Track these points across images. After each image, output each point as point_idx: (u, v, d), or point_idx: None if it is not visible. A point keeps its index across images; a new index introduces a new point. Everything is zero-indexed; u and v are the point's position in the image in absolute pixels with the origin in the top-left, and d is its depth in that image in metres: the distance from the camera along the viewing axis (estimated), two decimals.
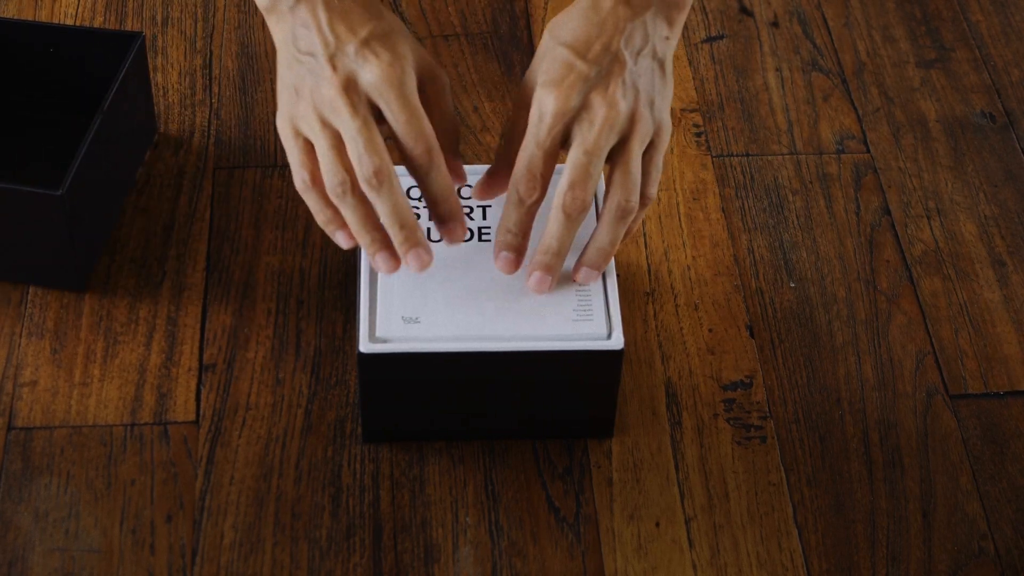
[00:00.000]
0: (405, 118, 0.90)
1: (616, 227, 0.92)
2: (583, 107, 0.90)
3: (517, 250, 0.94)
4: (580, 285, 0.95)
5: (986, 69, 1.25)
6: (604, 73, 0.91)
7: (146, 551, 0.93)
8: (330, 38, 0.90)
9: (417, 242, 0.91)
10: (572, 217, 0.91)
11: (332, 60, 0.90)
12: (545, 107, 0.90)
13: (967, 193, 1.15)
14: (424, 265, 0.91)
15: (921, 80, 1.24)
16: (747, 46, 1.26)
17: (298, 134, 0.92)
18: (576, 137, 0.91)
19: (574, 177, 0.90)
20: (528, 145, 0.91)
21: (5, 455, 0.97)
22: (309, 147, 0.91)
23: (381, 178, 0.89)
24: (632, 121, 0.91)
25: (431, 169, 0.90)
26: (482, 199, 0.96)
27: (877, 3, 1.30)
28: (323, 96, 0.90)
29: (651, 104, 0.92)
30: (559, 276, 0.95)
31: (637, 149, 0.91)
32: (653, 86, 0.93)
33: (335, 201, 0.90)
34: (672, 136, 1.17)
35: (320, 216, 0.92)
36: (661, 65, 0.93)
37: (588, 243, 0.94)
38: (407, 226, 0.91)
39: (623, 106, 0.90)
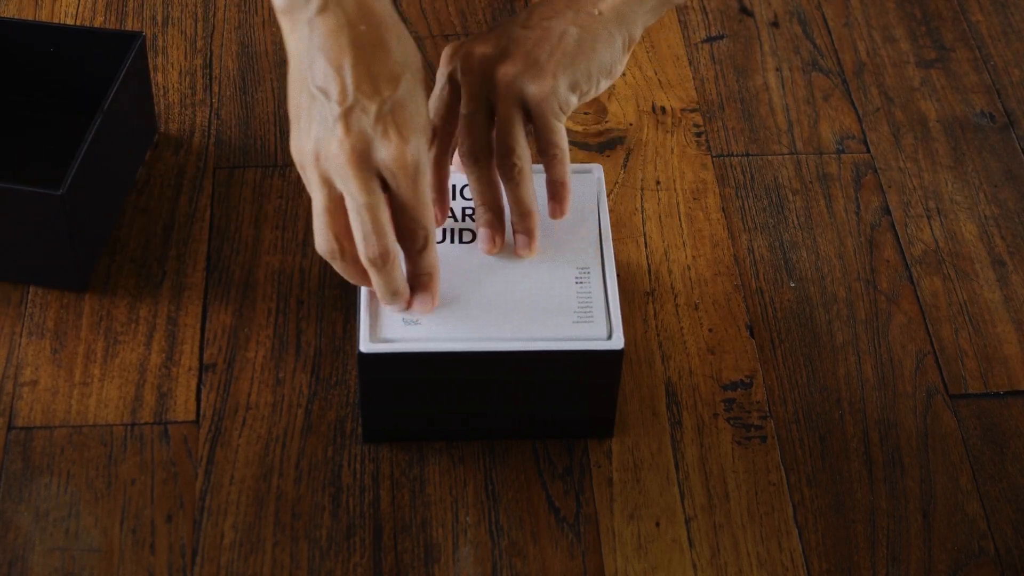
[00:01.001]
0: (411, 206, 0.87)
1: (524, 192, 0.95)
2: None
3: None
4: (580, 284, 0.95)
5: (986, 69, 1.25)
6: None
7: (146, 551, 0.93)
8: (350, 90, 0.84)
9: (407, 300, 0.92)
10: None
11: (347, 117, 0.84)
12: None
13: (967, 193, 1.15)
14: (428, 311, 0.93)
15: (921, 80, 1.24)
16: (747, 46, 1.26)
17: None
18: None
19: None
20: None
21: (5, 455, 0.97)
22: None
23: (385, 259, 0.88)
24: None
25: (424, 251, 0.90)
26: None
27: (877, 3, 1.30)
28: (331, 155, 0.85)
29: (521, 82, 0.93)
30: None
31: (512, 121, 0.93)
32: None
33: (326, 259, 0.90)
34: (672, 135, 1.18)
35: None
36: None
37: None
38: (400, 295, 0.92)
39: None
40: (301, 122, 0.87)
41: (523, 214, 0.95)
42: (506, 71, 0.92)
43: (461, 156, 0.94)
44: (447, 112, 0.95)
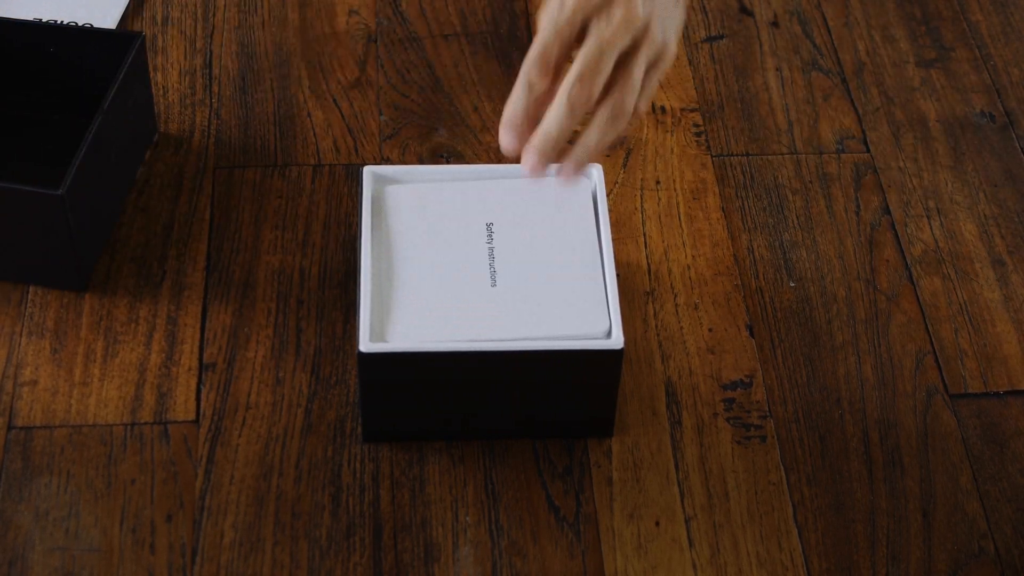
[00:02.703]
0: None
1: (607, 128, 0.92)
2: (604, 3, 0.90)
3: (518, 132, 0.93)
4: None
5: (986, 69, 1.25)
6: None
7: (146, 550, 0.93)
8: None
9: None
10: (575, 108, 0.91)
11: None
12: None
13: (967, 193, 1.15)
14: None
15: (921, 80, 1.24)
16: (747, 46, 1.26)
17: None
18: (593, 31, 0.90)
19: (583, 69, 0.90)
20: (545, 30, 0.91)
21: (5, 455, 0.97)
22: None
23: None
24: (645, 31, 0.91)
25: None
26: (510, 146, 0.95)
27: (877, 3, 1.30)
28: None
29: (663, 23, 0.92)
30: (548, 165, 0.93)
31: (643, 59, 0.91)
32: (666, 8, 0.93)
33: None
34: (672, 135, 1.18)
35: None
36: None
37: (577, 140, 0.93)
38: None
39: (642, 12, 0.90)
40: None
41: (596, 150, 0.94)
42: (654, 25, 0.92)
43: (577, 88, 0.91)
44: (566, 51, 0.92)
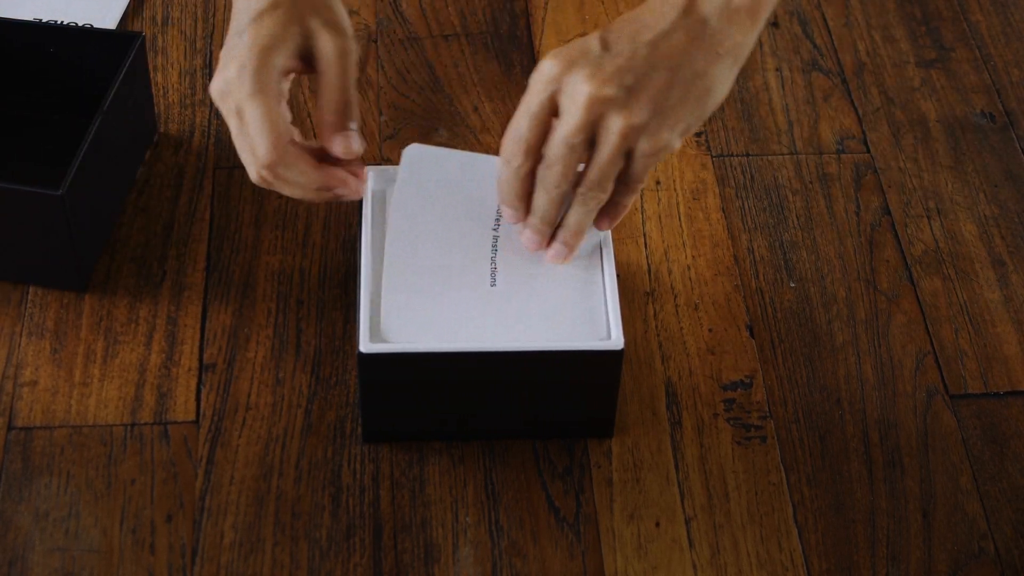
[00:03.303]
0: (248, 121, 0.92)
1: (587, 207, 0.93)
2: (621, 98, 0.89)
3: (517, 211, 0.94)
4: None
5: (986, 69, 1.25)
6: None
7: (146, 551, 0.93)
8: (232, 18, 0.94)
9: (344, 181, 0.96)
10: (551, 191, 0.92)
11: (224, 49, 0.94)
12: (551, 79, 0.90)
13: (967, 193, 1.15)
14: (349, 152, 0.95)
15: (921, 80, 1.24)
16: None
17: None
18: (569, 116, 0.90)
19: (553, 153, 0.90)
20: (519, 110, 0.91)
21: (5, 455, 0.97)
22: None
23: (271, 163, 0.92)
24: (642, 130, 0.89)
25: (278, 170, 0.93)
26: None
27: (877, 3, 1.30)
28: (210, 92, 0.94)
29: (673, 122, 0.90)
30: (546, 242, 0.96)
31: (637, 151, 0.91)
32: (686, 106, 0.90)
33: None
34: None
35: None
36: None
37: (562, 222, 0.94)
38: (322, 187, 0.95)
39: (639, 120, 0.89)
40: None
41: (577, 233, 0.94)
42: (631, 122, 0.88)
43: (546, 173, 0.91)
44: (541, 131, 0.91)
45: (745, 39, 0.90)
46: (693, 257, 1.10)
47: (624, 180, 0.92)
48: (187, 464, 0.97)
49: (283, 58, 0.93)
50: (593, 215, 0.94)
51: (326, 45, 0.94)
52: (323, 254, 1.09)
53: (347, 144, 0.95)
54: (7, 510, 0.94)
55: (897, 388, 1.03)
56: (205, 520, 0.94)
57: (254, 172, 0.94)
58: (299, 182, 0.94)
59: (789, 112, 1.21)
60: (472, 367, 0.94)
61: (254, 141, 0.92)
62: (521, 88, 1.21)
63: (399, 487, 0.96)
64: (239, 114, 0.92)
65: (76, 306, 1.05)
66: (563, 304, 0.95)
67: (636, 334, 1.05)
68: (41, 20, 1.22)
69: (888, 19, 1.29)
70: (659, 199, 1.13)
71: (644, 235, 1.11)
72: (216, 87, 0.93)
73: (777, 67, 1.24)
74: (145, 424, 0.99)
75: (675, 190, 1.14)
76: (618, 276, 1.06)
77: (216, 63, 0.96)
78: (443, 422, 0.98)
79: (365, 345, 0.92)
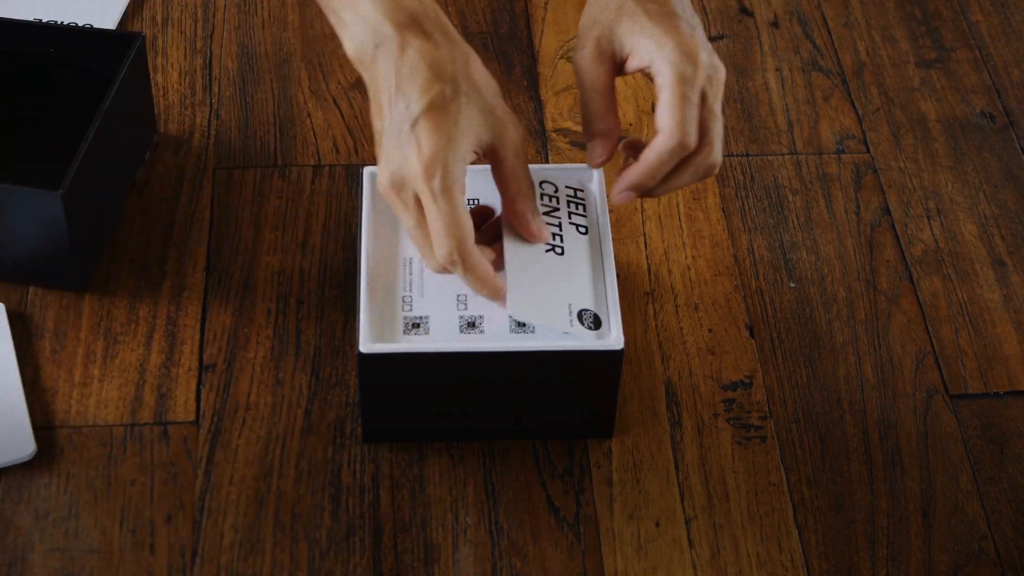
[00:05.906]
0: (433, 217, 0.89)
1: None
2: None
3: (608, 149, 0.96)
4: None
5: (986, 69, 1.25)
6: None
7: (146, 551, 0.93)
8: (387, 111, 0.88)
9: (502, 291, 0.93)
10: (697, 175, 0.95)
11: (383, 141, 0.89)
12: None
13: (967, 193, 1.15)
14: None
15: (921, 80, 1.24)
16: (747, 46, 1.26)
17: None
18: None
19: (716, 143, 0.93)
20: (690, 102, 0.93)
21: None
22: None
23: (452, 261, 0.90)
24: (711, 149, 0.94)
25: (456, 269, 0.90)
26: (599, 167, 0.97)
27: (877, 3, 1.30)
28: (380, 182, 0.91)
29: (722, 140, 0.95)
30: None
31: (691, 169, 0.95)
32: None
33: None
34: None
35: None
36: None
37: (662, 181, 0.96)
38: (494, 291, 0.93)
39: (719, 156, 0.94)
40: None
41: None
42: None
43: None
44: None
45: None
46: (693, 257, 1.10)
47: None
48: (187, 464, 0.97)
49: (470, 151, 0.89)
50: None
51: (511, 135, 0.91)
52: (323, 254, 1.09)
53: (541, 232, 0.95)
54: (7, 510, 0.94)
55: (897, 388, 1.03)
56: (205, 520, 0.94)
57: (433, 266, 0.92)
58: (473, 287, 0.92)
59: (789, 112, 1.21)
60: (472, 367, 0.94)
61: (439, 240, 0.89)
62: (521, 88, 1.21)
63: (399, 487, 0.96)
64: (418, 207, 0.89)
65: (76, 306, 1.05)
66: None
67: (636, 334, 1.05)
68: (41, 20, 1.22)
69: (888, 19, 1.29)
70: (659, 199, 1.13)
71: (644, 235, 1.11)
72: (390, 178, 0.89)
73: (777, 67, 1.24)
74: (145, 424, 0.99)
75: None
76: (618, 276, 1.06)
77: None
78: (443, 422, 0.98)
79: (365, 345, 0.92)
